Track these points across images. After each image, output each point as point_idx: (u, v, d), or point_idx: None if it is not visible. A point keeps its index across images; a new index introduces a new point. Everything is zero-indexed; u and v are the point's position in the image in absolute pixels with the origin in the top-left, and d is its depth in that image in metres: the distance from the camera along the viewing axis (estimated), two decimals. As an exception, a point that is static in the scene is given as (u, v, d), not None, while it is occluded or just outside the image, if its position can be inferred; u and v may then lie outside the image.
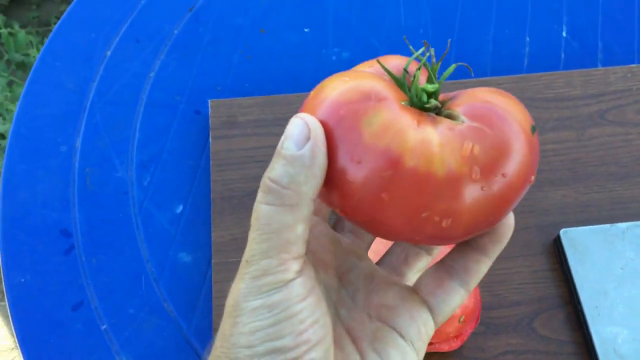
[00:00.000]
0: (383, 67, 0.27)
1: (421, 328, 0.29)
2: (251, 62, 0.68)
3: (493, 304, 0.54)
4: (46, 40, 0.71)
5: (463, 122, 0.25)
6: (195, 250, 0.58)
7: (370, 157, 0.24)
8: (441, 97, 0.27)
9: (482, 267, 0.29)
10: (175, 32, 0.70)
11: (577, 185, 0.59)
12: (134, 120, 0.65)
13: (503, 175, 0.24)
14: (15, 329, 0.54)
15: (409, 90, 0.26)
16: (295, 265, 0.26)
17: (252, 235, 0.26)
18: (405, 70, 0.27)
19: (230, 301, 0.26)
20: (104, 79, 0.67)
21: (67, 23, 0.71)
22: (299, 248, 0.26)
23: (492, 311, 0.54)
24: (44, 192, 0.60)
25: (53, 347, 0.54)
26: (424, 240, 0.26)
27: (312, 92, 0.27)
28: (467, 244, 0.29)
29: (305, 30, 0.71)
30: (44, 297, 0.56)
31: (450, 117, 0.25)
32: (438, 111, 0.26)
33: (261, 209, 0.26)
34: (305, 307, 0.25)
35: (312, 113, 0.26)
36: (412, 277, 0.32)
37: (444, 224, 0.24)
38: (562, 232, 0.54)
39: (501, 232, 0.28)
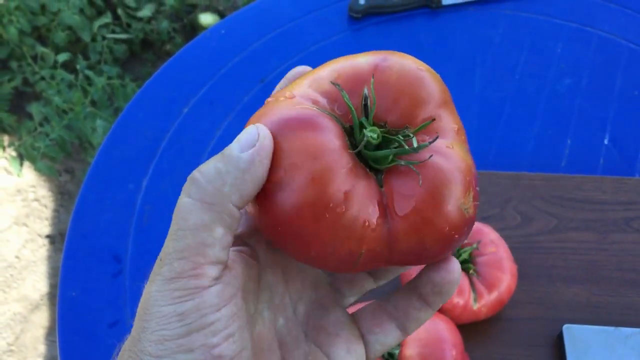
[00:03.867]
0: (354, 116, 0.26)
1: None
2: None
3: (488, 387, 0.56)
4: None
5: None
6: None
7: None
8: None
9: (422, 315, 0.28)
10: (245, 98, 0.79)
11: (591, 285, 0.60)
12: (195, 170, 0.73)
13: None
14: (58, 334, 0.62)
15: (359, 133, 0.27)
16: (211, 271, 0.24)
17: (170, 231, 0.25)
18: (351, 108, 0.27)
19: (141, 303, 0.25)
20: (177, 131, 0.77)
21: (156, 80, 0.82)
22: (217, 253, 0.25)
23: (486, 393, 0.56)
24: (107, 221, 0.69)
25: (86, 356, 0.61)
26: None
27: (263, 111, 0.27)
28: (412, 290, 0.28)
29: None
30: (87, 311, 0.63)
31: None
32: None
33: (181, 201, 0.25)
34: (219, 318, 0.24)
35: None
36: (350, 299, 0.31)
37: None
38: (564, 327, 0.56)
39: (443, 285, 0.27)
